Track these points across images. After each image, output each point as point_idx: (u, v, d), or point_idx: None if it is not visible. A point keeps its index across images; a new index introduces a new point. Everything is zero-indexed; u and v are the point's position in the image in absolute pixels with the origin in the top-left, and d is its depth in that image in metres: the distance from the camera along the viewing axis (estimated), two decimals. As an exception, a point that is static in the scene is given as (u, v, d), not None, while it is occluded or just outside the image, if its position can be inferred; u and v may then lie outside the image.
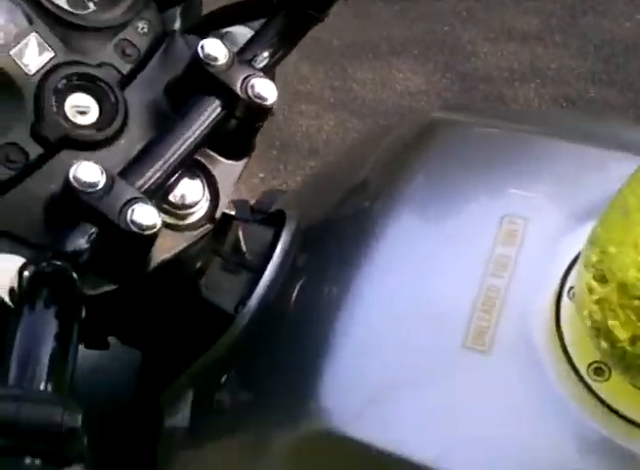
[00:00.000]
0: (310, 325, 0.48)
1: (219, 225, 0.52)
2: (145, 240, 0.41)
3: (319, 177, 0.73)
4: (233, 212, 0.54)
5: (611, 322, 0.39)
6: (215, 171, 0.48)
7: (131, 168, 0.43)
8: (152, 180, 0.43)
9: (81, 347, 0.56)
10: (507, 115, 0.78)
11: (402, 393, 0.44)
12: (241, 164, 0.49)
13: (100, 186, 0.40)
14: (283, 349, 0.50)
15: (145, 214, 0.40)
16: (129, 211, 0.40)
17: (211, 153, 0.48)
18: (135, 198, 0.41)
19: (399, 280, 0.47)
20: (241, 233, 0.54)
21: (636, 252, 0.37)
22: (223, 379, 0.52)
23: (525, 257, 0.46)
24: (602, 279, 0.39)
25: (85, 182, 0.40)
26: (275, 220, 0.55)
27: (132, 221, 0.40)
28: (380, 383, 0.45)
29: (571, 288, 0.44)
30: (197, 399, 0.54)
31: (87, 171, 0.40)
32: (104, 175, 0.40)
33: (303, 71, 2.13)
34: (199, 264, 0.51)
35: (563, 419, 0.41)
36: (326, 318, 0.47)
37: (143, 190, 0.42)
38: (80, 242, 0.39)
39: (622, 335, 0.39)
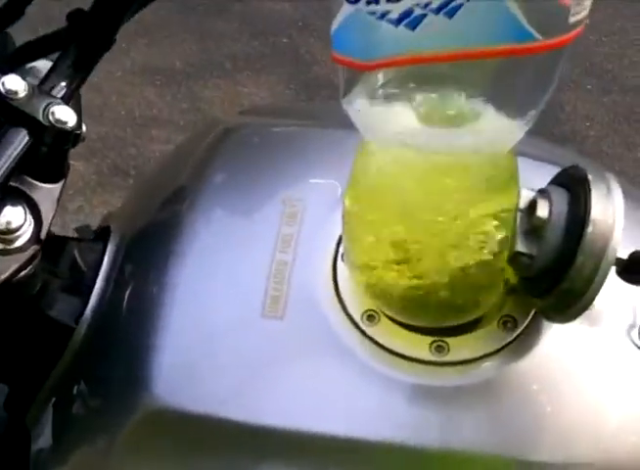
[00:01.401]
0: (137, 323, 0.54)
1: (52, 248, 0.58)
2: None
3: (141, 187, 0.79)
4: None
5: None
6: (35, 196, 0.53)
7: None
8: None
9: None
10: (287, 110, 0.86)
11: (218, 364, 0.50)
12: (58, 186, 0.54)
13: None
14: (118, 349, 0.55)
15: None
16: None
17: (30, 179, 0.53)
18: None
19: (207, 266, 0.54)
20: (76, 251, 0.60)
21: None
22: (75, 390, 0.57)
23: (304, 232, 0.53)
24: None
25: None
26: (104, 235, 0.61)
27: None
28: (198, 358, 0.51)
29: (342, 254, 0.52)
30: (56, 415, 0.58)
31: None
32: None
33: (150, 97, 2.18)
34: (38, 286, 0.56)
35: (345, 360, 0.49)
36: (149, 315, 0.53)
37: None
38: None
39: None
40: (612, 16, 2.61)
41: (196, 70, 2.29)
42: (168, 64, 2.31)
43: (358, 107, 0.41)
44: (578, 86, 2.32)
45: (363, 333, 0.50)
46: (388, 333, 0.49)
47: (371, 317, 0.50)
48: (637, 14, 2.64)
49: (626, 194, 0.45)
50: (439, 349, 0.49)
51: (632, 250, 0.46)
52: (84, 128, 0.56)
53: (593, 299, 0.43)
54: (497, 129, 0.41)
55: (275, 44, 2.41)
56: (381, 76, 0.41)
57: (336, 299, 0.51)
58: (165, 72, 2.27)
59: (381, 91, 0.41)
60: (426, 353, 0.49)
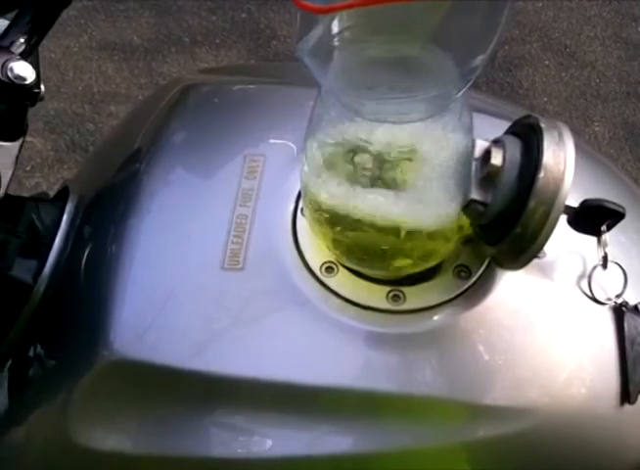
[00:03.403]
0: (96, 280, 0.54)
1: (10, 208, 0.58)
2: None
3: (100, 148, 0.78)
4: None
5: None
6: None
7: None
8: None
9: None
10: (247, 69, 0.86)
11: (176, 314, 0.51)
12: (17, 144, 0.54)
13: None
14: (76, 307, 0.55)
15: None
16: None
17: None
18: None
19: (166, 223, 0.54)
20: (35, 211, 0.60)
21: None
22: (31, 352, 0.57)
23: (265, 187, 0.54)
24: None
25: None
26: (63, 197, 0.61)
27: None
28: (158, 311, 0.51)
29: (302, 208, 0.52)
30: (11, 378, 0.58)
31: None
32: None
33: (108, 72, 2.15)
34: None
35: (305, 311, 0.50)
36: (109, 271, 0.53)
37: None
38: None
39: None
40: (569, -8, 2.64)
41: (154, 46, 2.27)
42: (126, 39, 2.28)
43: (311, 53, 0.41)
44: (537, 62, 2.34)
45: (322, 284, 0.50)
46: (346, 284, 0.50)
47: (329, 269, 0.51)
48: (594, -10, 2.67)
49: (579, 147, 0.46)
50: (396, 298, 0.50)
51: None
52: (43, 88, 0.55)
53: (544, 243, 0.44)
54: (446, 74, 0.41)
55: (234, 19, 2.39)
56: (336, 25, 0.42)
57: (295, 251, 0.51)
58: (124, 48, 2.24)
59: (336, 39, 0.42)
60: (383, 303, 0.50)
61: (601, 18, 2.54)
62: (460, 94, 0.43)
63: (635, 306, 0.52)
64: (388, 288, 0.50)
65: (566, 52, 2.40)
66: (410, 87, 0.41)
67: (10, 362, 0.59)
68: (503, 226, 0.45)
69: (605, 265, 0.51)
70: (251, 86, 0.64)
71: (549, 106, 2.20)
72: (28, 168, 1.80)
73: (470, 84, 0.42)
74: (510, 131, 0.48)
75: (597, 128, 2.13)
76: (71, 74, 2.14)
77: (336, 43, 0.41)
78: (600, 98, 2.23)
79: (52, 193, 0.67)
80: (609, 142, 2.08)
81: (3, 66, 0.50)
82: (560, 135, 0.44)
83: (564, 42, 2.44)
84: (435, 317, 0.49)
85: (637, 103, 2.21)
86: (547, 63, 2.35)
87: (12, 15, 0.56)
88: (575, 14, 2.56)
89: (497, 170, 0.44)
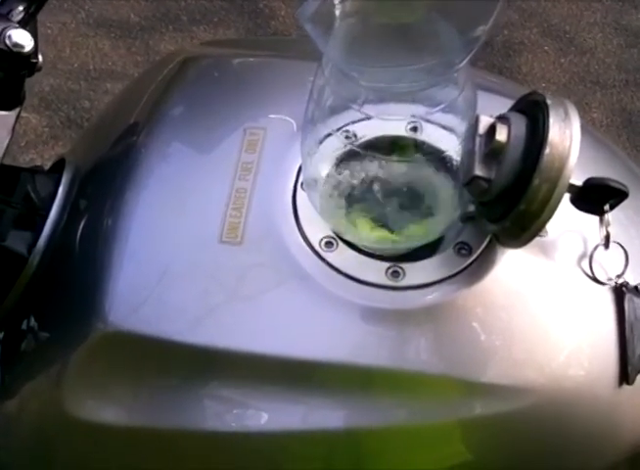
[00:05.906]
0: (92, 253, 0.53)
1: (6, 178, 0.57)
2: None
3: (97, 120, 0.78)
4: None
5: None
6: None
7: None
8: None
9: None
10: (247, 42, 0.86)
11: (172, 286, 0.50)
12: (13, 114, 0.53)
13: None
14: (71, 279, 0.55)
15: None
16: None
17: None
18: None
19: (164, 196, 0.53)
20: (30, 182, 0.59)
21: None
22: (24, 325, 0.57)
23: (264, 160, 0.53)
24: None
25: None
26: (59, 168, 0.60)
27: None
28: (154, 283, 0.50)
29: (302, 182, 0.52)
30: (4, 350, 0.58)
31: None
32: None
33: (104, 50, 2.13)
34: None
35: (303, 284, 0.49)
36: (105, 244, 0.52)
37: None
38: None
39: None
40: (570, -23, 2.62)
41: (151, 23, 2.25)
42: (124, 16, 2.26)
43: (312, 20, 0.41)
44: (536, 47, 2.33)
45: (321, 258, 0.50)
46: (345, 259, 0.50)
47: (329, 244, 0.50)
48: (595, -24, 2.66)
49: (581, 127, 0.45)
50: (395, 274, 0.49)
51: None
52: (40, 58, 0.55)
53: (547, 221, 0.44)
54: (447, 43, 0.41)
55: (233, -2, 2.37)
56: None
57: (294, 225, 0.51)
58: (121, 25, 2.22)
59: (337, 7, 0.41)
60: (382, 278, 0.49)
61: (601, 4, 2.53)
62: (462, 64, 0.42)
63: (635, 287, 0.51)
64: (387, 264, 0.50)
65: (565, 38, 2.39)
66: (412, 56, 0.41)
67: (2, 335, 0.58)
68: (506, 203, 0.45)
69: (607, 245, 0.50)
70: (252, 59, 0.63)
71: (547, 92, 2.19)
72: (23, 144, 1.79)
73: (472, 54, 0.41)
74: (515, 108, 0.47)
75: (595, 115, 2.12)
76: (68, 51, 2.12)
77: (337, 11, 0.41)
78: (598, 85, 2.22)
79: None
80: (606, 129, 2.07)
81: (1, 33, 0.50)
82: (566, 112, 0.44)
83: (563, 28, 2.43)
84: (434, 294, 0.49)
85: (635, 90, 2.20)
86: (546, 48, 2.34)
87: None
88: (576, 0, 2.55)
89: (502, 146, 0.44)
